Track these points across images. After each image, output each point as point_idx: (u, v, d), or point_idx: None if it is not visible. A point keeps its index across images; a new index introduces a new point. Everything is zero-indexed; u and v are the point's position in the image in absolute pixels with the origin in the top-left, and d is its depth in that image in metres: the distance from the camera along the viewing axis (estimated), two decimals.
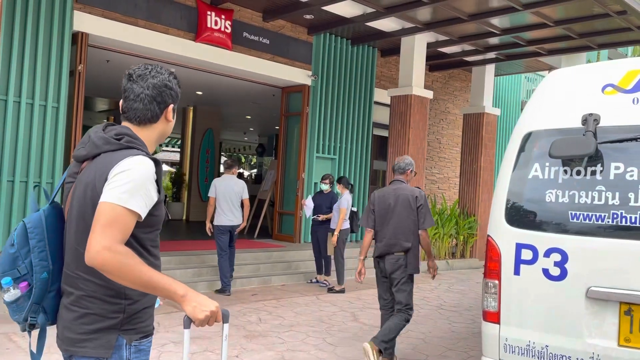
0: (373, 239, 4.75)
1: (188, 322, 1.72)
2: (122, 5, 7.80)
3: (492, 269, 3.13)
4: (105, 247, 1.56)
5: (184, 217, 14.87)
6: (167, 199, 15.37)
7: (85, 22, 7.46)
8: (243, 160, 38.62)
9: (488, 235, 3.19)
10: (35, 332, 1.82)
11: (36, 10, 6.96)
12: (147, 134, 1.82)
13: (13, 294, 1.72)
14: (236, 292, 7.28)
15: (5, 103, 6.79)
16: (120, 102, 1.83)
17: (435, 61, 12.07)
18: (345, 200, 7.75)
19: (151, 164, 1.70)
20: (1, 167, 6.77)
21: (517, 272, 3.03)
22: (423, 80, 10.52)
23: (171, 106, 1.84)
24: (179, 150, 18.71)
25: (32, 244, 1.74)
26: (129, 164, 1.65)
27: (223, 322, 1.77)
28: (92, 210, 1.65)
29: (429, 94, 10.57)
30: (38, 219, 1.78)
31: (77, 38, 7.45)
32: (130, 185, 1.62)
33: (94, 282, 1.69)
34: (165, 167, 26.09)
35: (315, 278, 8.38)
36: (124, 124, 1.82)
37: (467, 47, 11.19)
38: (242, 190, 7.08)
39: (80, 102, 7.53)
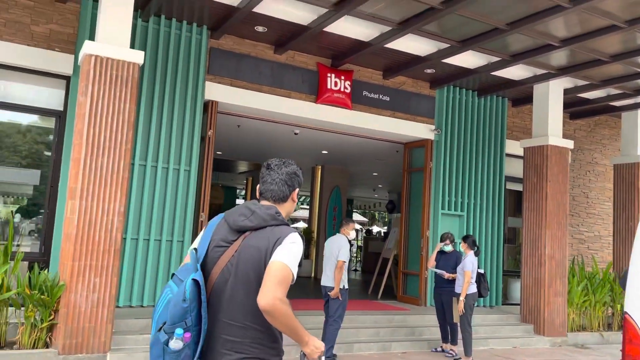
0: None
1: (303, 356, 2.16)
2: (248, 74, 8.32)
3: (631, 355, 2.49)
4: (278, 298, 2.00)
5: (312, 275, 14.95)
6: None
7: (215, 91, 8.05)
8: (376, 216, 38.52)
9: (625, 313, 2.57)
10: None
11: (172, 84, 7.68)
12: (280, 210, 2.29)
13: (179, 344, 2.00)
14: (352, 358, 6.92)
15: (145, 168, 7.47)
16: (258, 186, 2.35)
17: (576, 108, 11.01)
18: (470, 262, 7.11)
19: (302, 241, 2.19)
20: (139, 227, 7.37)
21: None
22: (561, 129, 9.60)
23: (297, 190, 2.36)
24: (308, 207, 19.19)
25: (203, 299, 2.05)
26: (295, 238, 2.14)
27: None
28: (265, 269, 2.08)
29: (569, 144, 9.58)
30: (201, 277, 2.09)
31: (208, 106, 8.05)
32: (296, 255, 2.11)
33: (260, 330, 2.09)
34: (300, 224, 26.93)
35: (441, 347, 7.71)
36: (262, 202, 2.32)
37: (612, 90, 10.07)
38: (337, 250, 6.54)
39: (209, 165, 8.03)
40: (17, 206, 7.63)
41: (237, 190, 23.42)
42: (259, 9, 7.04)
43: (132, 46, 7.39)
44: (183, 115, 7.76)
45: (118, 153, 6.00)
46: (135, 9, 7.36)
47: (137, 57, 6.15)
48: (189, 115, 7.77)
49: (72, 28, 7.13)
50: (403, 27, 7.30)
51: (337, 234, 6.93)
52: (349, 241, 6.94)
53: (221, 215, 2.34)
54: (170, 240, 7.59)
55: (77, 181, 5.82)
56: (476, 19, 6.97)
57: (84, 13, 7.08)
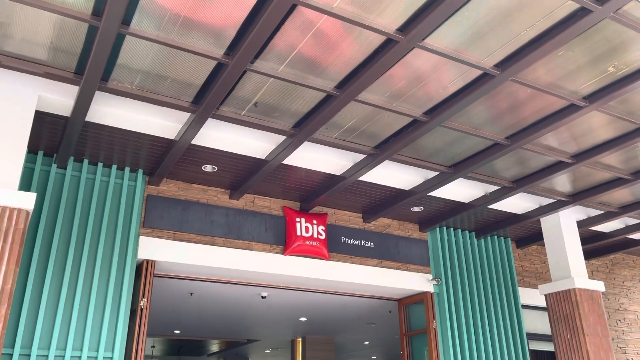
0: None
1: None
2: (196, 224, 6.68)
3: None
4: None
5: None
6: None
7: (152, 248, 6.31)
8: None
9: None
10: None
11: (94, 244, 5.96)
12: None
13: None
14: None
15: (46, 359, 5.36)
16: None
17: (590, 245, 9.45)
18: None
19: None
20: None
21: None
22: (585, 268, 7.90)
23: None
24: None
25: None
26: None
27: None
28: None
29: (599, 286, 7.78)
30: None
31: (142, 268, 6.24)
32: None
33: None
34: None
35: None
36: None
37: (630, 220, 8.65)
38: None
39: (141, 345, 5.94)
40: None
41: None
42: (200, 140, 5.68)
43: (43, 198, 5.83)
44: (106, 283, 5.89)
45: None
46: (50, 155, 5.98)
47: (25, 201, 4.51)
48: (113, 281, 5.91)
49: None
50: (380, 151, 5.95)
51: None
52: None
53: None
54: None
55: None
56: (469, 132, 5.67)
57: None
